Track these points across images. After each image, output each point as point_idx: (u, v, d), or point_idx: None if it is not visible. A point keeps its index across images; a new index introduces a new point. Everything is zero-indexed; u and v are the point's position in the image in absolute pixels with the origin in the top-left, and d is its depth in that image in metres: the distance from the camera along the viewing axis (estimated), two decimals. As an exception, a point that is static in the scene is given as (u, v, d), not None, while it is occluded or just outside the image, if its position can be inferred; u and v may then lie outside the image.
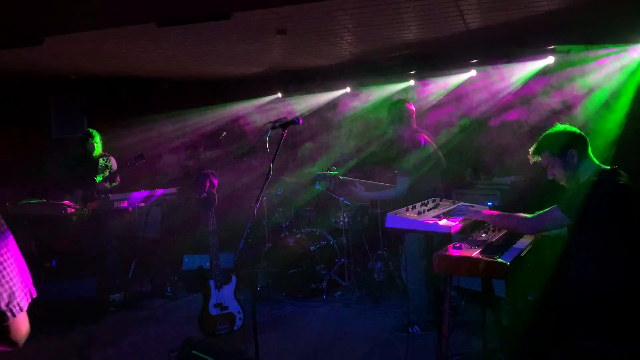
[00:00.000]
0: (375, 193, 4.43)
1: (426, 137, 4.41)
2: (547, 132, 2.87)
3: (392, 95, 6.50)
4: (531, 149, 2.90)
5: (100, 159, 5.85)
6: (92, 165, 5.79)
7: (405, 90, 6.48)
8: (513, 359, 3.10)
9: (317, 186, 5.70)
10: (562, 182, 2.86)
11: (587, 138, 2.81)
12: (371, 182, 4.50)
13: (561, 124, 2.87)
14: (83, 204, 5.59)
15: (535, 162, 2.91)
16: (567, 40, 5.32)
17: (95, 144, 5.76)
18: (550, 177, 2.88)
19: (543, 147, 2.85)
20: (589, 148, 2.79)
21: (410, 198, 4.09)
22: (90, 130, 5.83)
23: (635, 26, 4.93)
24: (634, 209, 2.63)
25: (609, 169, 2.72)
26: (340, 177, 4.43)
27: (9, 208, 5.54)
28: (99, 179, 5.72)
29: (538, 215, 2.81)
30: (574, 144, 2.76)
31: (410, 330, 4.36)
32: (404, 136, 4.41)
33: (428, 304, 4.39)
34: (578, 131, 2.81)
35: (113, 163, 5.96)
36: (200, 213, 6.26)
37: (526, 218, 2.89)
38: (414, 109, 4.44)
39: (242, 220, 7.22)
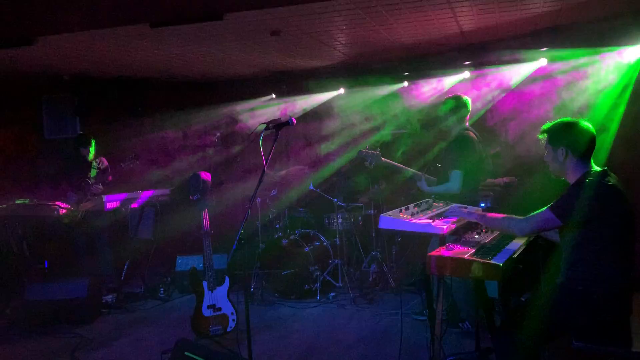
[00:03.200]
0: (430, 187, 4.30)
1: (474, 137, 4.31)
2: (561, 119, 2.88)
3: (387, 96, 6.54)
4: (543, 126, 2.92)
5: (93, 161, 5.83)
6: (85, 167, 5.77)
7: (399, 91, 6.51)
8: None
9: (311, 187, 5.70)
10: (551, 170, 2.91)
11: (590, 140, 2.80)
12: (412, 170, 4.41)
13: (582, 118, 2.87)
14: (76, 206, 5.57)
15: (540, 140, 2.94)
16: (560, 43, 5.35)
17: (89, 148, 5.74)
18: (545, 159, 2.92)
19: (546, 131, 2.88)
20: (587, 149, 2.78)
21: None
22: (85, 134, 5.80)
23: (628, 29, 4.97)
24: (623, 210, 2.66)
25: (599, 171, 2.74)
26: (383, 159, 4.39)
27: (0, 209, 5.51)
28: (92, 174, 5.70)
29: (530, 217, 2.83)
30: (568, 143, 2.77)
31: (460, 325, 4.40)
32: (454, 131, 4.34)
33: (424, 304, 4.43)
34: (584, 131, 2.78)
35: (105, 164, 5.94)
36: (194, 214, 6.26)
37: (518, 220, 2.91)
38: (470, 106, 4.34)
39: (235, 222, 7.25)
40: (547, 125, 2.91)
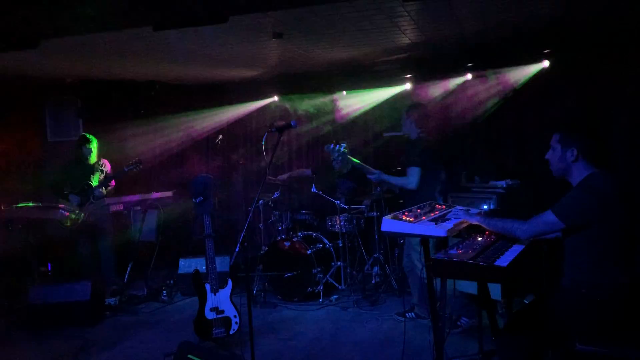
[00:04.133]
0: (388, 177, 4.61)
1: (431, 141, 4.64)
2: (573, 121, 2.90)
3: (389, 99, 6.53)
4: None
5: (96, 163, 5.82)
6: (88, 170, 5.76)
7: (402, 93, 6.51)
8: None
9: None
10: (552, 169, 2.91)
11: (600, 144, 2.82)
12: (377, 170, 4.64)
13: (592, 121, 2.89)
14: (79, 209, 5.56)
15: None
16: (564, 45, 5.34)
17: (92, 149, 5.73)
18: (546, 157, 2.92)
19: (559, 130, 2.88)
20: (597, 152, 2.80)
21: (410, 201, 4.24)
22: (87, 135, 5.80)
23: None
24: (626, 212, 2.65)
25: (601, 172, 2.74)
26: (349, 157, 4.48)
27: (4, 212, 5.52)
28: (94, 183, 5.69)
29: (532, 220, 2.82)
30: (580, 145, 2.77)
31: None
32: (412, 134, 4.65)
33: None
34: (595, 134, 2.81)
35: (107, 167, 5.93)
36: (196, 217, 6.26)
37: (520, 223, 2.90)
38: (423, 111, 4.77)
39: (238, 224, 7.26)
40: (562, 125, 2.90)
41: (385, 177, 4.61)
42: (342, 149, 4.36)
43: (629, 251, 2.65)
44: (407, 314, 4.76)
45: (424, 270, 4.38)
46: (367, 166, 4.61)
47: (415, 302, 4.78)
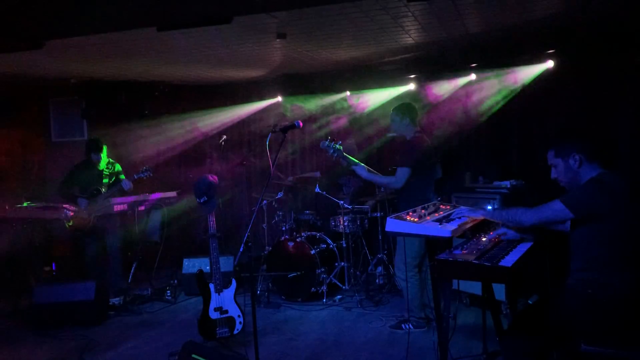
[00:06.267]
0: (374, 176, 4.51)
1: (427, 140, 4.58)
2: (560, 132, 2.89)
3: (393, 98, 6.51)
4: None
5: (105, 168, 5.80)
6: (97, 174, 5.74)
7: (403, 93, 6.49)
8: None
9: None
10: (563, 184, 2.88)
11: (598, 144, 2.81)
12: (373, 170, 4.56)
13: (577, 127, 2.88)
14: (86, 212, 5.55)
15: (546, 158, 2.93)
16: (565, 46, 5.32)
17: (101, 154, 5.69)
18: (553, 177, 2.90)
19: (551, 146, 2.87)
20: (598, 149, 2.79)
21: (404, 201, 4.27)
22: (96, 139, 5.77)
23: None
24: (633, 211, 2.63)
25: (611, 171, 2.73)
26: (344, 154, 4.45)
27: (8, 211, 5.53)
28: (104, 189, 5.67)
29: (539, 207, 2.80)
30: (580, 149, 2.76)
31: (404, 327, 4.51)
32: (408, 135, 4.57)
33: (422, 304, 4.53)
34: (588, 133, 2.81)
35: (119, 168, 5.90)
36: (201, 217, 6.27)
37: (526, 209, 2.88)
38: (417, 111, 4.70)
39: (242, 224, 7.28)
40: (551, 142, 2.89)
41: (366, 174, 4.43)
42: (337, 146, 4.35)
43: (635, 251, 2.63)
44: (403, 325, 4.60)
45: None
46: (357, 161, 4.48)
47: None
